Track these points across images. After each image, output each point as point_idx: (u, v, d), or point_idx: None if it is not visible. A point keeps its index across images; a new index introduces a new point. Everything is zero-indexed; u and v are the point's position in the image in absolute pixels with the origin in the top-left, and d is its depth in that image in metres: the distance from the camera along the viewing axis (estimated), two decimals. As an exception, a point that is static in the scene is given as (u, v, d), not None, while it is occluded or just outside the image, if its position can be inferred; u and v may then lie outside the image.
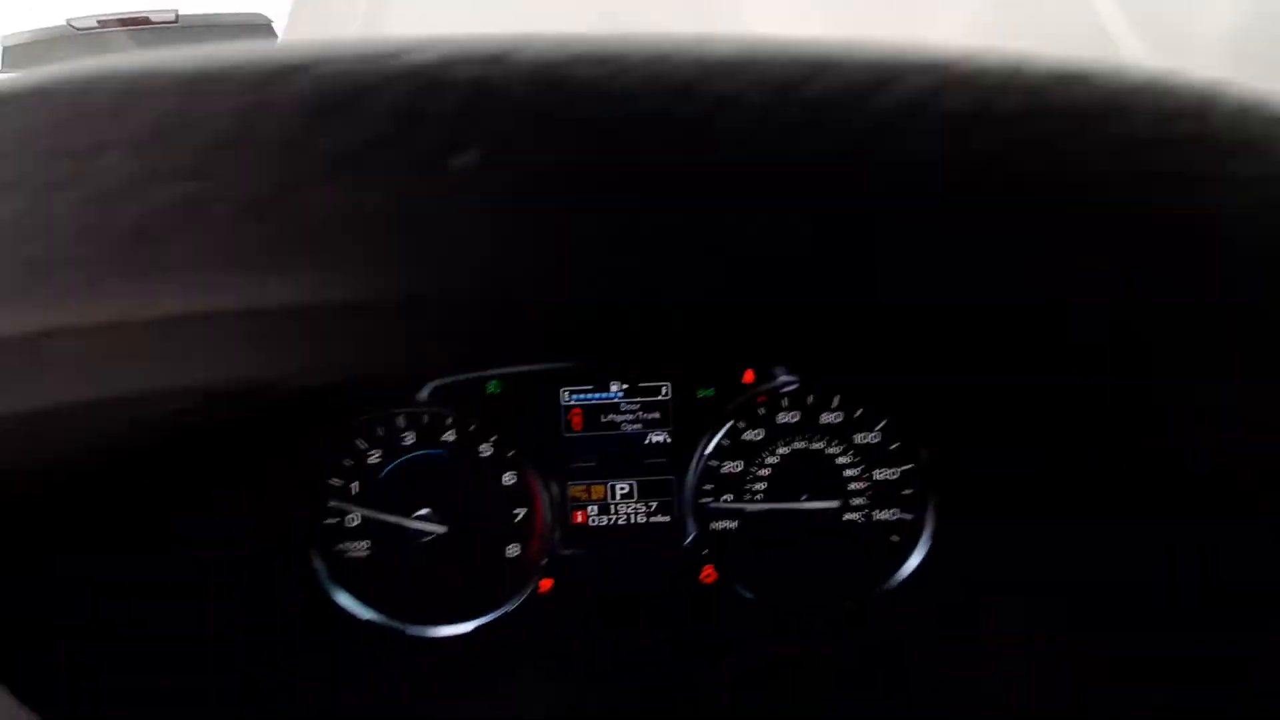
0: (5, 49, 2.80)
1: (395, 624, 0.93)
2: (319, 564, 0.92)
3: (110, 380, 0.29)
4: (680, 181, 0.19)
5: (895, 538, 0.97)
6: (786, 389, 0.93)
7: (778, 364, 0.92)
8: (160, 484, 0.73)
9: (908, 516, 0.97)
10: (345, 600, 0.93)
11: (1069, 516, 0.74)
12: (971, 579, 0.92)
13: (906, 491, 0.97)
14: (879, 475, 0.96)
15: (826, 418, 0.95)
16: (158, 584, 0.77)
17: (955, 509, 0.94)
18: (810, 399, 0.94)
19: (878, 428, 0.95)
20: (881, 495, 0.96)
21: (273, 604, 0.89)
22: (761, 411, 0.94)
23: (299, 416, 0.89)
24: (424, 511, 0.92)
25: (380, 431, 0.94)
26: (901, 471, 0.96)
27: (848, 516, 0.97)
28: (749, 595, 0.95)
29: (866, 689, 0.88)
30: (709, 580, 0.96)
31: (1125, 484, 0.55)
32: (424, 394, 0.93)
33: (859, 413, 0.95)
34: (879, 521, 0.97)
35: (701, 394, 0.95)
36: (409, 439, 0.95)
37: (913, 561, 0.96)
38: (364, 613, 0.93)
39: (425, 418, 0.95)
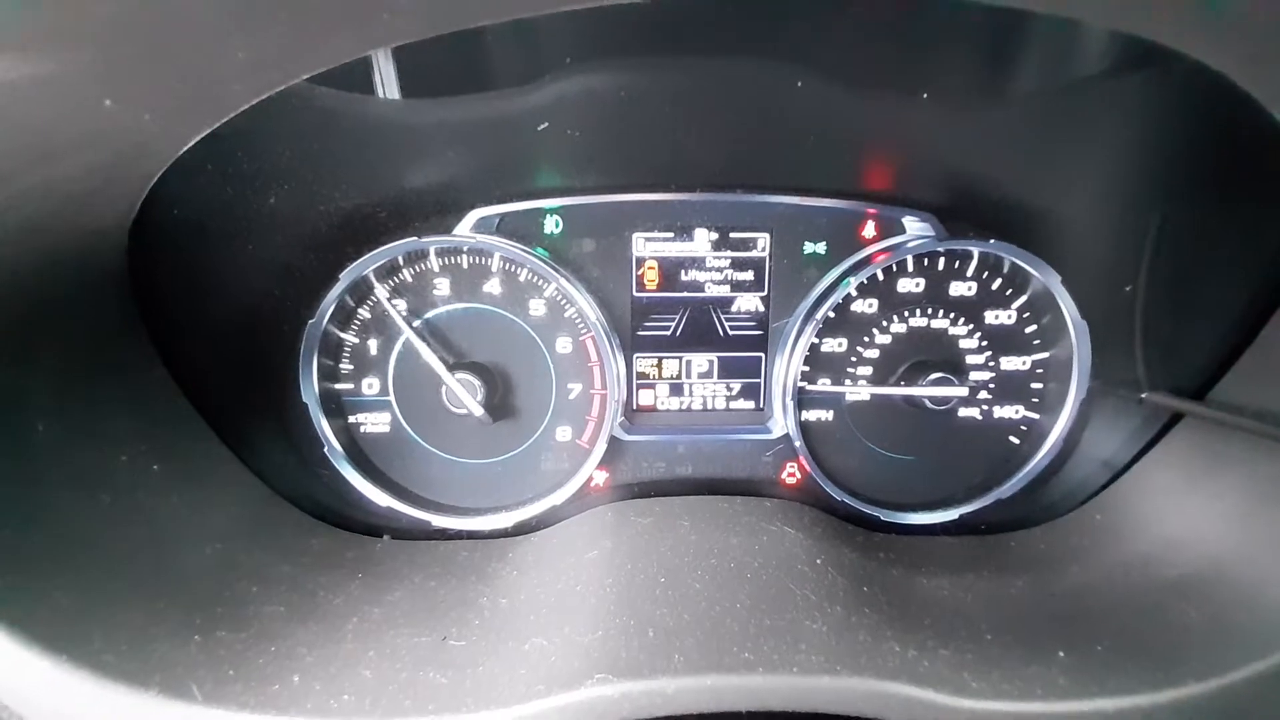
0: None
1: (419, 515, 0.77)
2: (332, 440, 0.75)
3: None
4: None
5: (1015, 440, 0.82)
6: (915, 248, 0.75)
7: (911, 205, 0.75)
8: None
9: (1034, 416, 0.81)
10: (360, 483, 0.76)
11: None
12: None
13: (1036, 386, 0.81)
14: (1007, 365, 0.80)
15: (957, 289, 0.77)
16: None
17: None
18: (941, 264, 0.77)
19: (1014, 306, 0.78)
20: (1007, 389, 0.81)
21: (278, 479, 0.73)
22: (880, 276, 0.76)
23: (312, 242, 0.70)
24: (459, 377, 0.74)
25: (406, 276, 0.75)
26: (1033, 362, 0.80)
27: (963, 412, 0.81)
28: (839, 498, 0.79)
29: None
30: (793, 481, 0.81)
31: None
32: (466, 225, 0.75)
33: (996, 284, 0.77)
34: (999, 420, 0.82)
35: (809, 250, 0.77)
36: (442, 288, 0.76)
37: (1032, 467, 0.80)
38: (382, 499, 0.76)
39: (465, 261, 0.76)
